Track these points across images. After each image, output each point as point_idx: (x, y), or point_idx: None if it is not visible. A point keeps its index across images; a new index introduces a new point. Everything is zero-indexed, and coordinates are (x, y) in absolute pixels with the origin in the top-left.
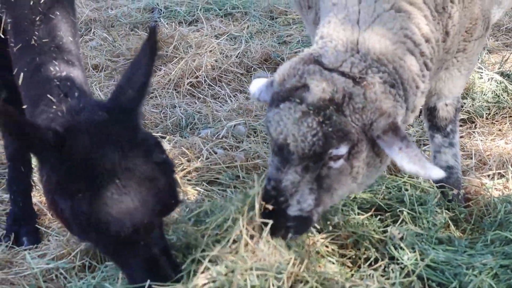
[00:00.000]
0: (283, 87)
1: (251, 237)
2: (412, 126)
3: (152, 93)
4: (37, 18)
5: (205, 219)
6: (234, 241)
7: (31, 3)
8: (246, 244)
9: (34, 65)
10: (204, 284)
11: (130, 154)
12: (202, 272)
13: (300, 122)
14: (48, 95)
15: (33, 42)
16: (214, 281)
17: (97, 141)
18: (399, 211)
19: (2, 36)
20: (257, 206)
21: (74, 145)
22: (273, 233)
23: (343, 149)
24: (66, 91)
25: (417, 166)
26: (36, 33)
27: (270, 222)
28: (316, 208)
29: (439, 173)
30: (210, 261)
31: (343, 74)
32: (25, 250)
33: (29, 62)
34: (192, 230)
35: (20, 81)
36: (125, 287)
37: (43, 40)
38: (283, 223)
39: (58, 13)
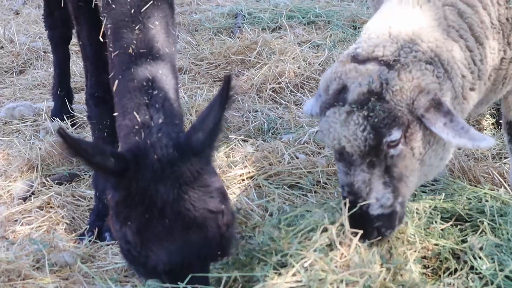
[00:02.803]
0: (327, 94)
1: (340, 244)
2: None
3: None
4: (137, 27)
5: (294, 224)
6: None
7: (132, 11)
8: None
9: (129, 75)
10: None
11: (186, 197)
12: (293, 275)
13: (347, 122)
14: (135, 113)
15: (130, 50)
16: (302, 285)
17: (158, 178)
18: (479, 221)
19: (102, 40)
20: (345, 215)
21: (135, 176)
22: (366, 238)
23: (396, 134)
24: (152, 114)
25: (464, 138)
26: (134, 42)
27: (360, 232)
28: (396, 200)
29: (489, 142)
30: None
31: (377, 61)
32: (108, 245)
33: (124, 70)
34: (282, 234)
35: (114, 88)
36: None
37: (141, 50)
38: (370, 225)
39: (157, 23)
